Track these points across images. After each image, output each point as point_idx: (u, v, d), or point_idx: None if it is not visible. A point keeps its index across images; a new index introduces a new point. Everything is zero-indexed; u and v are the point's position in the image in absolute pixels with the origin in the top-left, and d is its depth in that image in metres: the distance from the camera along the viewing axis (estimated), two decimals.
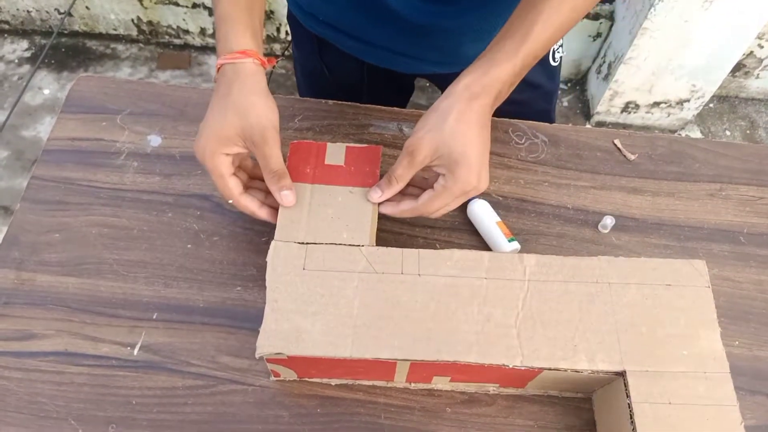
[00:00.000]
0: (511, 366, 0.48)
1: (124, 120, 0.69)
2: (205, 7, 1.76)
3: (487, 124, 0.53)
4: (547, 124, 0.73)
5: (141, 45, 1.93)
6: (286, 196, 0.54)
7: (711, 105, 1.92)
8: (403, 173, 0.54)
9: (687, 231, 0.65)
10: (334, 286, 0.51)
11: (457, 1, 0.65)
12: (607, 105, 1.73)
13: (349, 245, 0.53)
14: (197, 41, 1.87)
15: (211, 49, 1.90)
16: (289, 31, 1.82)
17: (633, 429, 0.47)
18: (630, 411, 0.47)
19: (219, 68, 0.53)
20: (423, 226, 0.65)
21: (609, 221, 0.64)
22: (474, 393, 0.56)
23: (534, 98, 0.82)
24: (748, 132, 1.88)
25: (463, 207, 0.65)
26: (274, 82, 1.86)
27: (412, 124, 0.72)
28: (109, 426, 0.53)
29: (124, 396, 0.54)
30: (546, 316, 0.50)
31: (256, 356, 0.48)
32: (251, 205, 0.55)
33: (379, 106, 0.73)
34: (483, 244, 0.64)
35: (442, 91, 0.91)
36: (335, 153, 0.59)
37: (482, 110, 0.52)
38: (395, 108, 0.73)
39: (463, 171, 0.51)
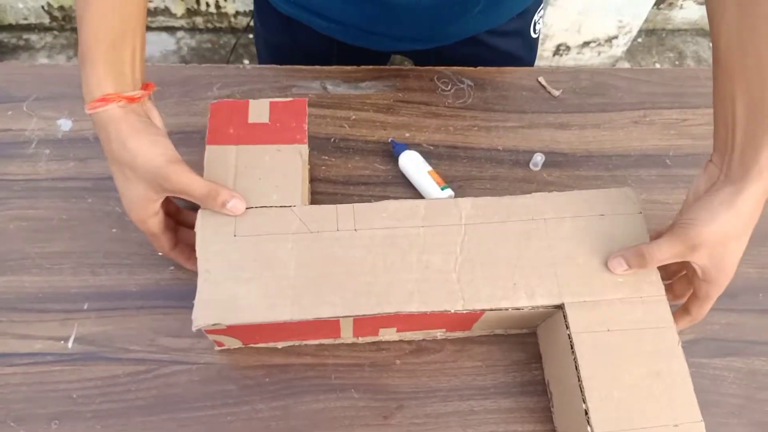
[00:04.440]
0: (453, 311, 0.48)
1: (30, 106, 0.65)
2: None
3: None
4: (471, 68, 0.72)
5: (56, 32, 1.83)
6: (232, 208, 0.50)
7: (639, 40, 1.96)
8: (663, 257, 0.49)
9: (615, 160, 0.66)
10: (267, 250, 0.49)
11: None
12: (538, 49, 1.74)
13: (281, 207, 0.51)
14: None
15: None
16: (209, 3, 1.75)
17: (574, 358, 0.48)
18: (570, 341, 0.48)
19: (91, 116, 0.48)
20: (357, 184, 0.64)
21: (539, 158, 0.65)
22: (422, 341, 0.56)
23: None
24: (677, 63, 1.93)
25: (396, 160, 0.64)
26: (246, 53, 1.80)
27: (335, 81, 0.70)
28: (52, 422, 0.51)
29: (63, 390, 0.52)
30: (484, 258, 0.50)
31: (193, 329, 0.46)
32: (180, 258, 0.55)
33: (299, 66, 0.71)
34: (418, 196, 0.63)
35: (414, 63, 0.88)
36: (259, 110, 0.57)
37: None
38: (317, 66, 0.71)
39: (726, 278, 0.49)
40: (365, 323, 0.51)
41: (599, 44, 1.75)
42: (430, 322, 0.52)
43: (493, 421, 0.53)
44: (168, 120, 0.65)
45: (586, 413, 0.45)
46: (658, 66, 1.91)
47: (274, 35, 0.81)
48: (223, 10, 1.79)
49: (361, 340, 0.56)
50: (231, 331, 0.49)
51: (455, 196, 0.63)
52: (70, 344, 0.54)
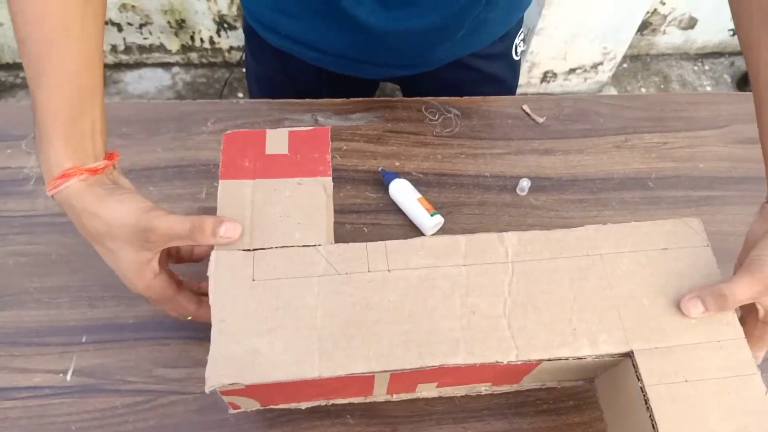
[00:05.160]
0: (506, 362, 0.43)
1: (29, 144, 0.67)
2: (113, 23, 1.71)
3: None
4: (457, 97, 0.75)
5: None
6: (226, 233, 0.45)
7: (625, 65, 2.00)
8: (744, 297, 0.44)
9: (599, 183, 0.68)
10: (291, 295, 0.44)
11: (419, 2, 0.64)
12: (526, 77, 1.78)
13: (304, 246, 0.46)
14: (109, 59, 1.82)
15: (125, 66, 1.85)
16: (203, 39, 1.79)
17: (650, 416, 0.41)
18: (644, 396, 0.42)
19: (53, 196, 0.45)
20: (349, 212, 0.65)
21: (526, 183, 0.67)
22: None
23: (498, 93, 0.83)
24: (662, 86, 1.97)
25: (386, 188, 0.66)
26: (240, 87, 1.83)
27: (326, 113, 0.72)
28: None
29: (62, 423, 0.53)
30: (537, 300, 0.45)
31: (207, 390, 0.40)
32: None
33: (291, 99, 0.73)
34: (409, 222, 0.65)
35: (403, 91, 0.91)
36: (277, 140, 0.51)
37: None
38: (308, 99, 0.73)
39: None
40: (403, 378, 0.46)
41: (585, 71, 1.79)
42: (477, 375, 0.47)
43: None
44: (164, 155, 0.68)
45: None
46: (643, 90, 1.94)
47: (265, 69, 0.83)
48: (217, 46, 1.83)
49: (395, 397, 0.52)
50: (250, 391, 0.43)
51: (444, 222, 0.64)
52: (68, 377, 0.55)
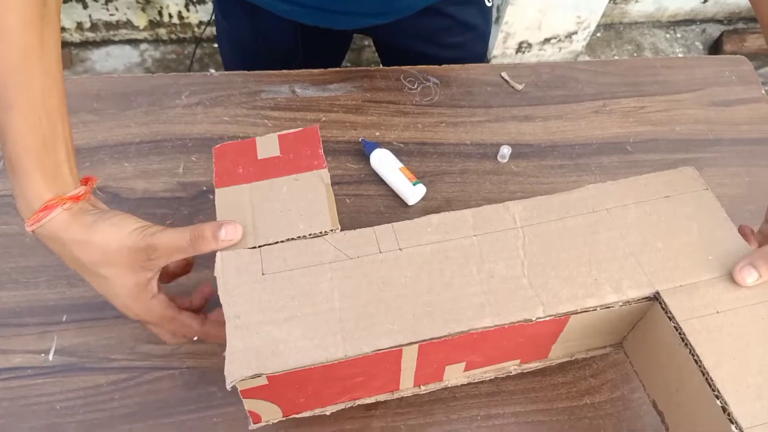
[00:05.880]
0: (534, 319, 0.42)
1: None
2: (78, 0, 1.66)
3: None
4: (436, 66, 0.74)
5: None
6: (228, 235, 0.44)
7: (598, 34, 2.00)
8: None
9: (578, 149, 0.69)
10: (304, 283, 0.43)
11: None
12: (501, 48, 1.77)
13: (311, 236, 0.46)
14: (75, 37, 1.77)
15: (92, 44, 1.80)
16: (171, 14, 1.75)
17: (690, 351, 0.41)
18: (680, 333, 0.42)
19: (33, 231, 0.42)
20: (331, 184, 0.65)
21: (506, 150, 0.67)
22: (493, 380, 0.54)
23: (471, 40, 0.82)
24: (635, 54, 1.98)
25: (367, 159, 0.65)
26: (213, 62, 1.79)
27: (303, 84, 0.71)
28: None
29: (46, 403, 0.52)
30: (553, 258, 0.45)
31: (227, 386, 0.39)
32: (220, 329, 0.43)
33: (267, 71, 0.72)
34: (391, 193, 0.64)
35: (376, 44, 0.89)
36: (267, 145, 0.51)
37: None
38: (284, 71, 0.72)
39: None
40: (431, 357, 0.45)
41: (560, 40, 1.79)
42: (506, 346, 0.47)
43: (475, 406, 0.54)
44: (138, 129, 0.66)
45: (725, 410, 0.39)
46: (617, 58, 1.95)
47: (236, 26, 0.81)
48: (186, 21, 1.79)
49: (423, 389, 0.51)
50: (271, 389, 0.42)
51: (427, 191, 0.64)
52: (50, 356, 0.54)
